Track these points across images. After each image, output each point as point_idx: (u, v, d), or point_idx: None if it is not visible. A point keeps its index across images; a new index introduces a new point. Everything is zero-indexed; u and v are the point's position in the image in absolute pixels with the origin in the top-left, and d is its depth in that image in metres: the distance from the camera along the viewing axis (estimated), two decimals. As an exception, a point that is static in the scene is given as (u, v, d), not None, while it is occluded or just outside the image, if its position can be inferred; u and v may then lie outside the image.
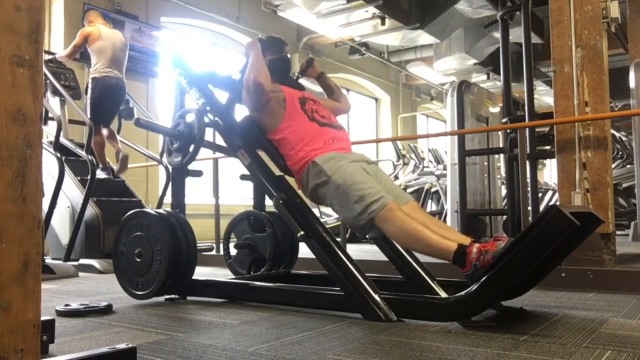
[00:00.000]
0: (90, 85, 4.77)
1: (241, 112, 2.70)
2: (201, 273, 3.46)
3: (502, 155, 5.99)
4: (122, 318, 2.09)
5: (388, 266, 2.56)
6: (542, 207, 6.72)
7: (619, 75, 6.38)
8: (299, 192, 2.45)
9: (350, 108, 2.93)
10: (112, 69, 4.77)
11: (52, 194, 3.89)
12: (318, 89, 3.00)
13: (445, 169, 7.75)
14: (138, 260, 2.46)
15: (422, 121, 14.54)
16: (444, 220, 6.32)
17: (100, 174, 4.72)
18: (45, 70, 4.34)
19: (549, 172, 17.57)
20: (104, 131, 4.83)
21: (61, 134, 4.14)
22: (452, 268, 2.16)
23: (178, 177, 2.69)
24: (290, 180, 2.48)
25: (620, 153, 7.99)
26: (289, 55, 2.79)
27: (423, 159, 9.62)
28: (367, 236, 2.26)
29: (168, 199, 2.99)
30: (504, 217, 5.30)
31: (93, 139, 4.54)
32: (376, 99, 13.00)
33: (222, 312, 2.18)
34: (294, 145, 2.39)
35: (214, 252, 3.98)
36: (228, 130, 2.60)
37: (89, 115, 4.60)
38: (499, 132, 6.44)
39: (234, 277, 2.91)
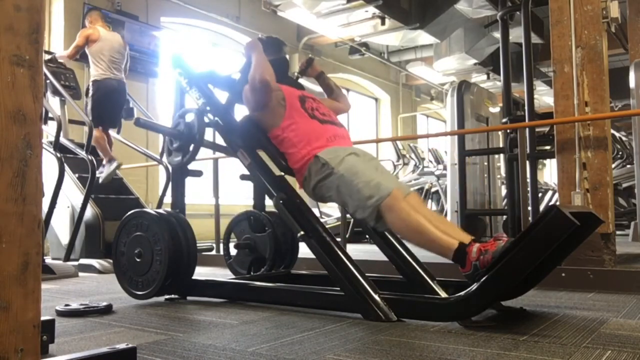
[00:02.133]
0: (91, 88, 4.77)
1: (240, 112, 2.70)
2: (201, 273, 3.46)
3: (502, 155, 5.99)
4: (122, 318, 2.09)
5: (388, 266, 2.56)
6: (542, 207, 6.72)
7: (619, 75, 6.38)
8: (300, 191, 2.44)
9: (349, 108, 2.93)
10: (112, 71, 4.78)
11: (52, 194, 3.89)
12: (318, 88, 2.99)
13: (445, 169, 7.76)
14: (138, 260, 2.46)
15: (422, 121, 14.54)
16: (444, 220, 6.30)
17: (110, 165, 4.67)
18: (45, 70, 4.34)
19: (549, 172, 17.57)
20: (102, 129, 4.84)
21: (61, 134, 4.14)
22: (452, 268, 2.16)
23: (178, 177, 2.69)
24: (291, 181, 2.47)
25: (620, 153, 7.99)
26: (287, 56, 2.79)
27: (423, 159, 9.63)
28: (373, 227, 2.21)
29: (168, 199, 2.99)
30: (504, 217, 5.30)
31: (94, 137, 4.55)
32: (376, 99, 13.00)
33: (222, 312, 2.18)
34: (295, 143, 2.37)
35: (214, 252, 3.98)
36: (228, 130, 2.59)
37: (90, 118, 4.60)
38: (499, 132, 6.45)
39: (234, 277, 2.91)
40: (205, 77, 2.71)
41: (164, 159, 4.94)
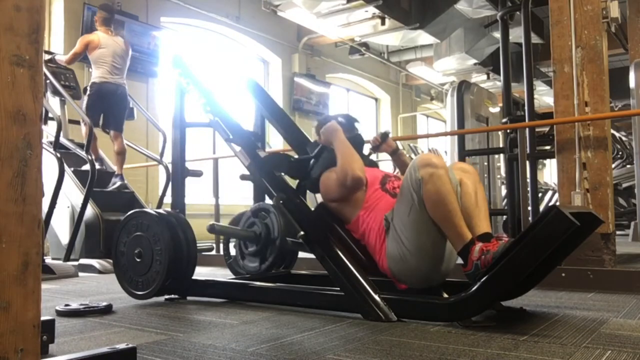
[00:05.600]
0: (88, 89, 4.80)
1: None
2: (201, 273, 3.46)
3: (502, 155, 5.99)
4: (122, 318, 2.09)
5: (388, 266, 2.55)
6: (542, 207, 6.72)
7: (619, 75, 6.39)
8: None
9: None
10: (112, 75, 4.79)
11: (52, 194, 3.89)
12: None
13: (445, 169, 7.71)
14: (138, 260, 2.46)
15: (422, 121, 14.54)
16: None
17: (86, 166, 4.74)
18: (45, 70, 4.35)
19: (549, 172, 17.57)
20: (111, 133, 4.91)
21: (61, 134, 4.15)
22: (453, 269, 2.16)
23: (178, 177, 2.69)
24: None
25: (620, 153, 7.98)
26: (361, 133, 2.57)
27: (423, 159, 9.57)
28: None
29: (168, 199, 2.99)
30: (504, 217, 5.30)
31: (83, 132, 4.61)
32: (376, 99, 13.00)
33: (222, 312, 2.18)
34: (378, 232, 2.15)
35: (214, 252, 3.98)
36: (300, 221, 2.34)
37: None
38: (499, 132, 6.45)
39: (234, 277, 2.91)
40: (277, 163, 2.48)
41: (164, 159, 4.98)
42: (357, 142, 2.44)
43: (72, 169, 4.63)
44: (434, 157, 1.99)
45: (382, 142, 2.58)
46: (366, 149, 2.64)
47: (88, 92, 4.78)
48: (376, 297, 1.99)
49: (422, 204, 1.97)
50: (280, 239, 2.39)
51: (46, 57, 4.87)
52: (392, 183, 2.31)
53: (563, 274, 2.80)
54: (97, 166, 4.79)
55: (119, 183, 4.84)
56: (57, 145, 4.05)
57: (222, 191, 4.93)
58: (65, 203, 4.44)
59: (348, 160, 2.23)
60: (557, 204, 3.49)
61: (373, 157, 2.70)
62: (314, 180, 2.38)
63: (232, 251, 3.07)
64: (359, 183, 2.21)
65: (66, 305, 2.20)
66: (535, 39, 8.13)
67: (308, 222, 2.28)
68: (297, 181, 2.52)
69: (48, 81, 4.65)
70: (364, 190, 2.24)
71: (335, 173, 2.26)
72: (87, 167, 4.70)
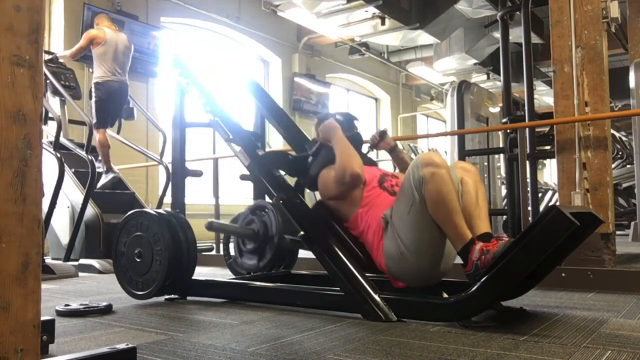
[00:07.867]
0: (93, 92, 4.80)
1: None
2: (201, 273, 3.46)
3: (502, 155, 5.99)
4: (122, 318, 2.09)
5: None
6: (542, 207, 6.72)
7: (619, 75, 6.38)
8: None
9: None
10: (115, 73, 4.79)
11: (52, 194, 3.89)
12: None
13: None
14: (138, 260, 2.46)
15: (422, 121, 14.54)
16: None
17: (106, 177, 4.72)
18: (45, 70, 4.35)
19: (549, 172, 17.57)
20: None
21: (61, 134, 4.15)
22: (452, 268, 2.16)
23: (178, 177, 2.69)
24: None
25: (620, 153, 7.98)
26: (360, 131, 2.57)
27: (423, 159, 9.56)
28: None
29: (168, 199, 2.99)
30: (504, 217, 5.30)
31: (98, 140, 4.61)
32: (376, 99, 12.99)
33: (222, 312, 2.18)
34: (376, 229, 2.16)
35: (214, 252, 3.98)
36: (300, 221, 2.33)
37: (94, 120, 4.68)
38: (499, 132, 6.45)
39: (234, 277, 2.91)
40: (274, 160, 2.51)
41: (164, 159, 4.98)
42: (356, 140, 2.44)
43: (73, 169, 4.62)
44: (436, 157, 1.99)
45: (380, 139, 2.60)
46: (365, 149, 2.65)
47: (95, 96, 4.77)
48: (376, 297, 1.99)
49: (424, 203, 1.96)
50: (278, 237, 2.40)
51: (46, 57, 4.87)
52: (390, 181, 2.32)
53: (563, 274, 2.80)
54: (111, 175, 4.75)
55: (111, 175, 4.73)
56: (57, 145, 4.05)
57: (222, 191, 4.93)
58: (65, 203, 4.44)
59: (346, 157, 2.23)
60: (557, 204, 3.49)
61: (372, 155, 2.70)
62: (313, 178, 2.37)
63: (232, 251, 3.07)
64: (358, 180, 2.20)
65: (66, 305, 2.20)
66: (535, 39, 8.13)
67: (308, 222, 2.28)
68: (296, 179, 2.52)
69: (48, 81, 4.65)
70: (362, 188, 2.24)
71: (334, 170, 2.26)
72: (107, 177, 4.71)
